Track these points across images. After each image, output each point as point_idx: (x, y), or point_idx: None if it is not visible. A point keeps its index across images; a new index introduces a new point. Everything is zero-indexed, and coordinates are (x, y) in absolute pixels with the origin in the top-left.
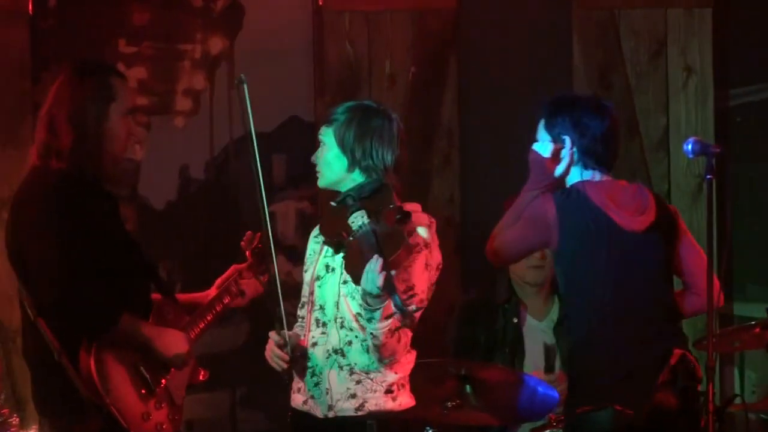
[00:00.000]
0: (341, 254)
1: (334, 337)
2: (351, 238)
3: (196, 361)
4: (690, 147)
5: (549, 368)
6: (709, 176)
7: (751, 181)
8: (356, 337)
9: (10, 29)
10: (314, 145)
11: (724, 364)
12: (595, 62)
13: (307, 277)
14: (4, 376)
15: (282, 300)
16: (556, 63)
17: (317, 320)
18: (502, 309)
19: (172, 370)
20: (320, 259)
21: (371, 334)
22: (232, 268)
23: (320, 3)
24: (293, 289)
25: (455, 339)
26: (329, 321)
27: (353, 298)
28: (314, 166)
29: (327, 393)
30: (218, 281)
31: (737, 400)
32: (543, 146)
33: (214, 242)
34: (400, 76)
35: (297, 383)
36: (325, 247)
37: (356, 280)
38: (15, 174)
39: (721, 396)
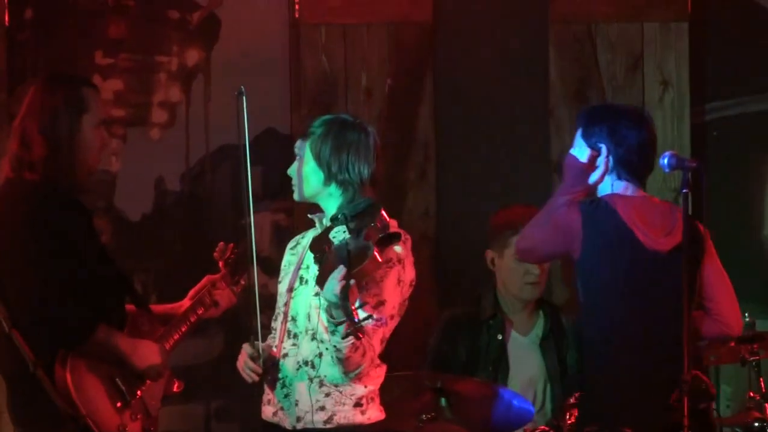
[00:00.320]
0: (315, 267)
1: (305, 349)
2: (328, 252)
3: (171, 372)
4: (666, 161)
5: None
6: (684, 190)
7: (727, 196)
8: (327, 349)
9: None
10: (290, 157)
11: None
12: (572, 76)
13: (281, 288)
14: None
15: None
16: (532, 76)
17: (289, 331)
18: (486, 325)
19: (148, 381)
20: (296, 271)
21: (335, 347)
22: (206, 278)
23: (296, 16)
24: (268, 301)
25: (435, 354)
26: (300, 332)
27: (325, 310)
28: (290, 178)
29: (296, 405)
30: (191, 292)
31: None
32: (580, 152)
33: (190, 254)
34: (376, 90)
35: (267, 395)
36: (303, 260)
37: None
38: None
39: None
